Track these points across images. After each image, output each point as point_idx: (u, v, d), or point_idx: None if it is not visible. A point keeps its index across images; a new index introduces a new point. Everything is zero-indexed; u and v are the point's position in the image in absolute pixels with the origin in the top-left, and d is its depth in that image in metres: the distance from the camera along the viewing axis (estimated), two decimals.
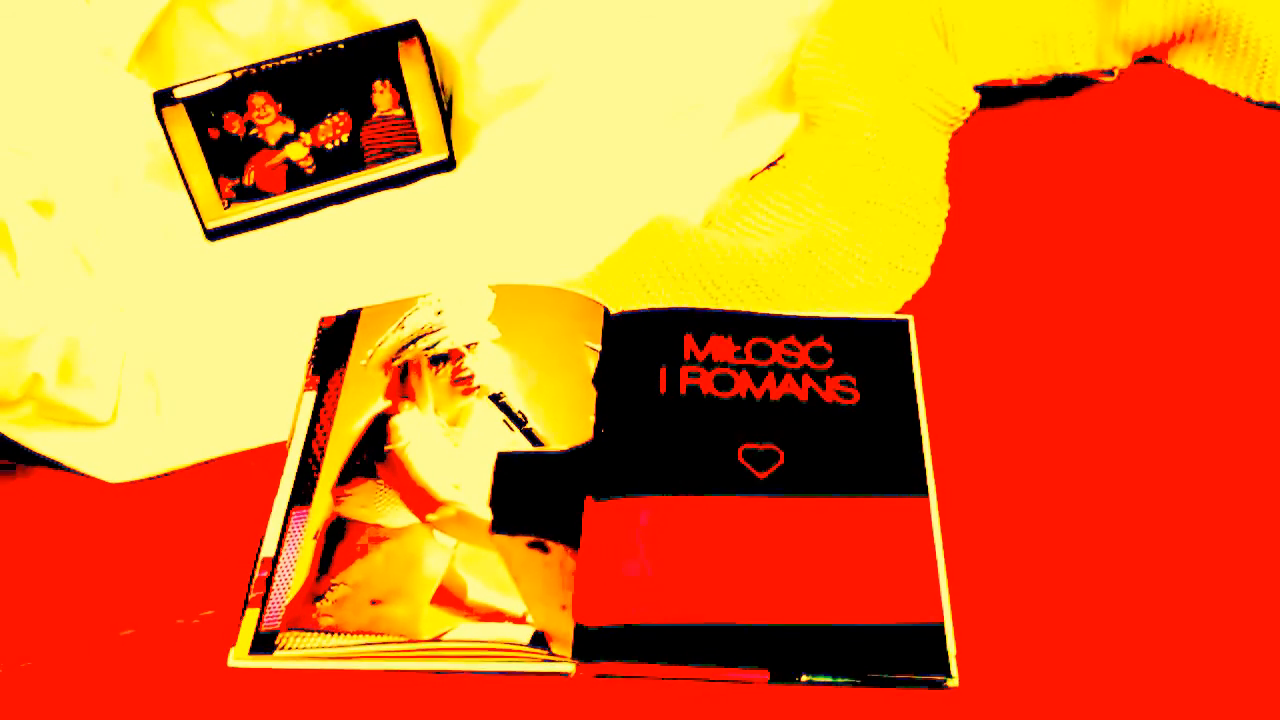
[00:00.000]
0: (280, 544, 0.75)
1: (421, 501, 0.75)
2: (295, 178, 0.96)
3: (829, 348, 0.83)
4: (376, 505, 0.76)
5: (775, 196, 0.95)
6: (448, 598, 0.71)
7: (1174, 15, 0.98)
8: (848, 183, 0.92)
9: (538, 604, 0.71)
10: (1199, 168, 0.94)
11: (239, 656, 0.71)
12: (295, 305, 0.89)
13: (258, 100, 0.91)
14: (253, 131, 0.93)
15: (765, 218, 0.94)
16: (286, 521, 0.76)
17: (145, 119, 0.90)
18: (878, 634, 0.69)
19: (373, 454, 0.78)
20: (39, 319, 0.81)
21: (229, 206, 0.95)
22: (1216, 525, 0.73)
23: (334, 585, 0.72)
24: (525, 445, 0.77)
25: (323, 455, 0.79)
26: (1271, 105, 0.97)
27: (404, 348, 0.83)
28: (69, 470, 0.82)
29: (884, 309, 0.87)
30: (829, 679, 0.68)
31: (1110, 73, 1.00)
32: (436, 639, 0.70)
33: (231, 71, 0.90)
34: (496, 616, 0.70)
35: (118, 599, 0.75)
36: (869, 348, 0.83)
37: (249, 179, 0.94)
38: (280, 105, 0.92)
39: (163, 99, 0.89)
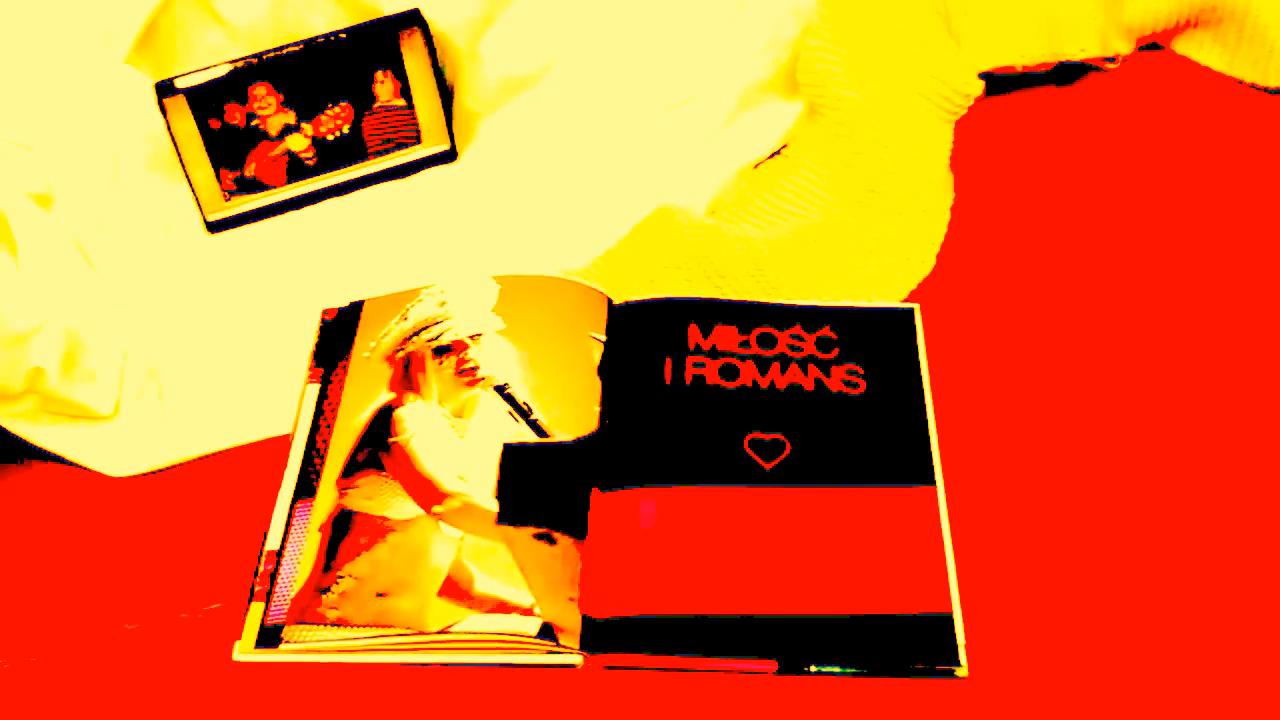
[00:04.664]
0: (285, 537, 0.75)
1: (427, 493, 0.75)
2: (296, 169, 0.95)
3: (835, 337, 0.83)
4: (382, 497, 0.75)
5: (779, 185, 0.95)
6: (454, 590, 0.71)
7: (1179, 1, 0.97)
8: (852, 171, 0.92)
9: (545, 595, 0.70)
10: (1205, 155, 0.93)
11: (244, 650, 0.70)
12: (297, 297, 0.89)
13: (259, 91, 0.91)
14: (254, 122, 0.92)
15: (769, 207, 0.94)
16: (291, 515, 0.76)
17: (145, 110, 0.89)
18: (886, 624, 0.69)
19: (377, 446, 0.78)
20: (40, 312, 0.80)
21: (230, 199, 0.94)
22: (1224, 519, 0.73)
23: (339, 578, 0.72)
24: (530, 436, 0.77)
25: (327, 448, 0.79)
26: (1278, 91, 0.97)
27: (408, 339, 0.83)
28: (72, 464, 0.81)
29: (890, 297, 0.87)
30: (838, 670, 0.68)
31: (1112, 60, 1.00)
32: (443, 631, 0.70)
33: (233, 62, 0.90)
34: (503, 608, 0.70)
35: (122, 593, 0.74)
36: (875, 337, 0.83)
37: (250, 170, 0.94)
38: (282, 96, 0.92)
39: (164, 89, 0.88)
